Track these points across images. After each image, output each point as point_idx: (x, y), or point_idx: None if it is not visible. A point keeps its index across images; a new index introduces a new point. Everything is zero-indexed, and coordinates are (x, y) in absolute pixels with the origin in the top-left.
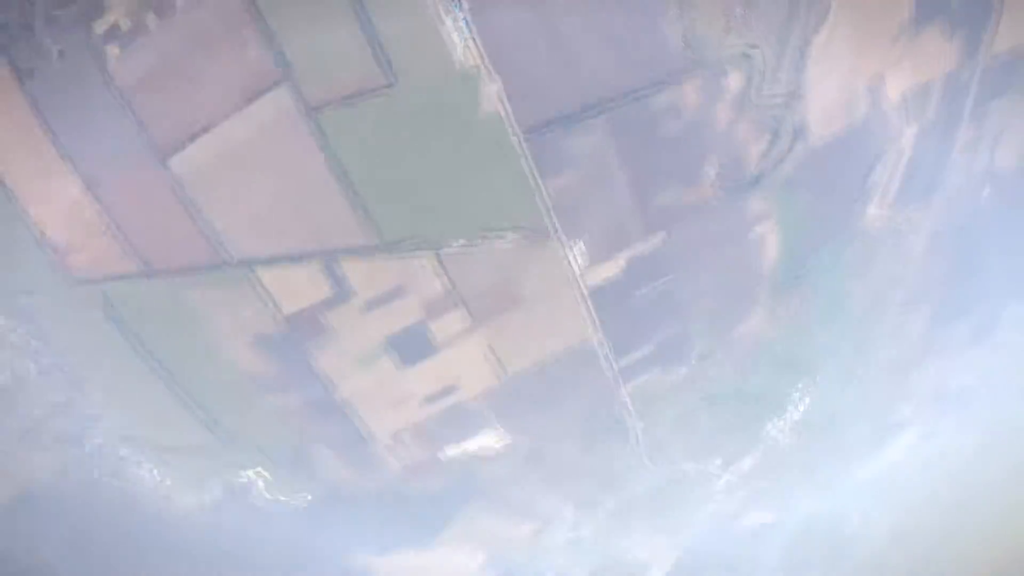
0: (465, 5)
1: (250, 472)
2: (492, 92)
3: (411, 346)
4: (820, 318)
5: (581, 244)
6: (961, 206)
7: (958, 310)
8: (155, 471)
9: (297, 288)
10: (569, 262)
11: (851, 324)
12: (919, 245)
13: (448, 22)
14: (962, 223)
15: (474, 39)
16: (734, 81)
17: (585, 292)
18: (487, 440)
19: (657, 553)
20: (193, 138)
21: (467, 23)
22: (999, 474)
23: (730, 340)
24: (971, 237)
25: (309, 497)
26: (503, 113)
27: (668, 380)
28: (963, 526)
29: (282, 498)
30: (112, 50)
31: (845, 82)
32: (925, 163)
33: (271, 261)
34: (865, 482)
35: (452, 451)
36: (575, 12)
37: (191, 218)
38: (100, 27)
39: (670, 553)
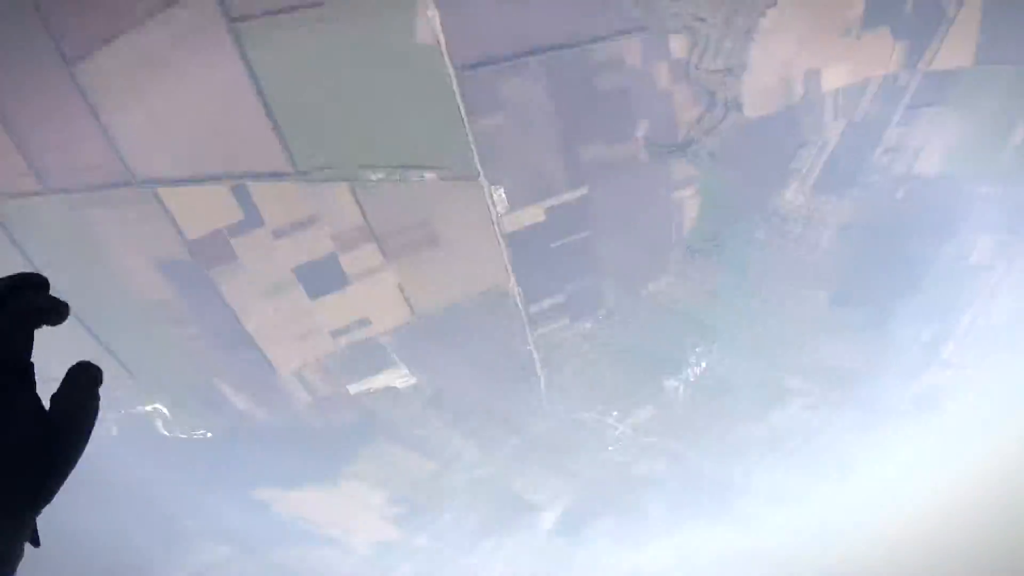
0: None
1: (150, 407)
2: (430, 22)
3: (320, 278)
4: (727, 286)
5: (502, 189)
6: (874, 204)
7: (855, 298)
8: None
9: (204, 212)
10: (489, 206)
11: (755, 296)
12: (828, 233)
13: None
14: (872, 219)
15: None
16: (677, 47)
17: (502, 237)
18: (394, 378)
19: (552, 495)
20: (104, 43)
21: None
22: (876, 450)
23: (639, 298)
24: (878, 233)
25: (209, 435)
26: (439, 45)
27: (575, 331)
28: (841, 492)
29: (182, 435)
30: None
31: (784, 68)
32: (847, 158)
33: (178, 181)
34: (751, 443)
35: (358, 387)
36: None
37: (96, 132)
38: None
39: (564, 496)
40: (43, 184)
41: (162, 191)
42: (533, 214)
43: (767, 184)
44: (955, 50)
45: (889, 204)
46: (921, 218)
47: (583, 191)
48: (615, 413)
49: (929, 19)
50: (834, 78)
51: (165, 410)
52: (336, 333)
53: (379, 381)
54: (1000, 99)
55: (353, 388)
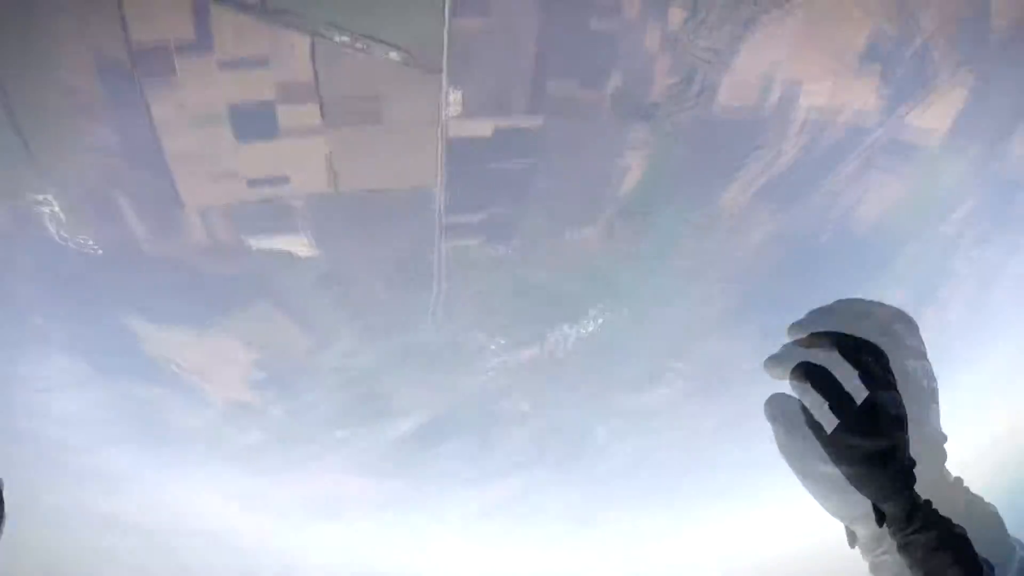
0: None
1: (45, 208)
2: None
3: (252, 123)
4: (646, 257)
5: (460, 93)
6: (802, 233)
7: (759, 307)
8: None
9: (157, 20)
10: (441, 105)
11: (669, 274)
12: (756, 239)
13: None
14: (797, 244)
15: None
16: (676, 14)
17: (445, 140)
18: (295, 244)
19: (415, 404)
20: None
21: None
22: (738, 456)
23: (558, 241)
24: (799, 259)
25: (101, 252)
26: None
27: (486, 253)
28: (697, 485)
29: (71, 243)
30: None
31: (769, 69)
32: (795, 177)
33: None
34: (620, 410)
35: (257, 242)
36: None
37: None
38: None
39: (427, 408)
40: None
41: None
42: (482, 127)
43: (715, 173)
44: (935, 113)
45: (815, 242)
46: (840, 262)
47: (538, 122)
48: (500, 342)
49: (923, 75)
50: (812, 97)
51: (59, 210)
52: (252, 182)
53: (280, 242)
54: (955, 175)
55: (252, 242)
